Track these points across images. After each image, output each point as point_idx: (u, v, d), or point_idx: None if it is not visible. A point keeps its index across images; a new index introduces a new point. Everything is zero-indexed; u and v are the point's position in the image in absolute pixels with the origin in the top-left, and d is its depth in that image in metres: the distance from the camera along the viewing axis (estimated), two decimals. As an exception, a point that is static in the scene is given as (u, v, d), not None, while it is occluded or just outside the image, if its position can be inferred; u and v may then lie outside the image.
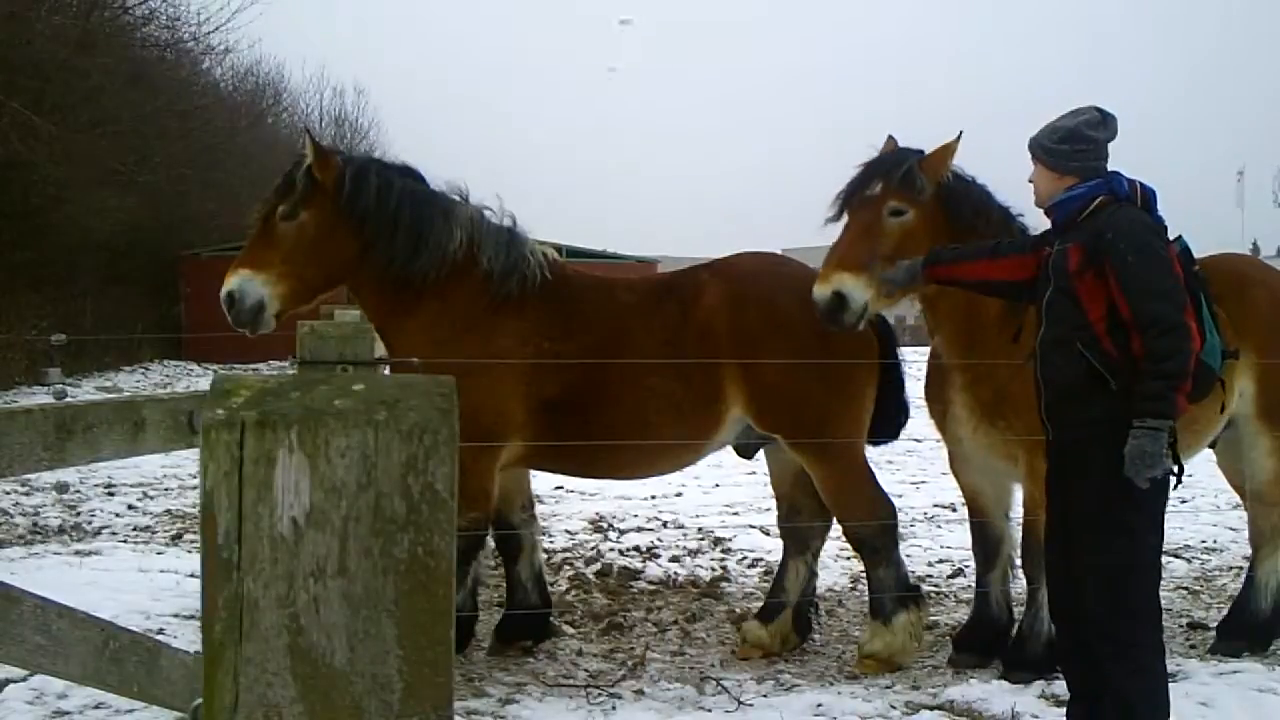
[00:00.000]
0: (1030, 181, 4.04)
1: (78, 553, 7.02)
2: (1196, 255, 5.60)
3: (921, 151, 4.64)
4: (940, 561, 7.10)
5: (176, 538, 7.70)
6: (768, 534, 7.37)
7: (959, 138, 4.65)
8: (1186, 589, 6.54)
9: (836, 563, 6.75)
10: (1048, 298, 3.85)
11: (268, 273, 4.75)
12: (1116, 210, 3.80)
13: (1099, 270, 3.70)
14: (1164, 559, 7.04)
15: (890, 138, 4.79)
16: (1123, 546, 3.67)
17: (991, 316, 4.69)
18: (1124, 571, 3.67)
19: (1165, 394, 3.57)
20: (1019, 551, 4.95)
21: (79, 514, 8.55)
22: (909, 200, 4.53)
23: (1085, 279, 3.72)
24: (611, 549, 7.41)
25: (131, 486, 9.75)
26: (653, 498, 9.22)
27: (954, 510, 7.18)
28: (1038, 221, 4.94)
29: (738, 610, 5.96)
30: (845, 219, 4.62)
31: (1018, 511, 5.01)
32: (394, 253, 4.82)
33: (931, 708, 4.38)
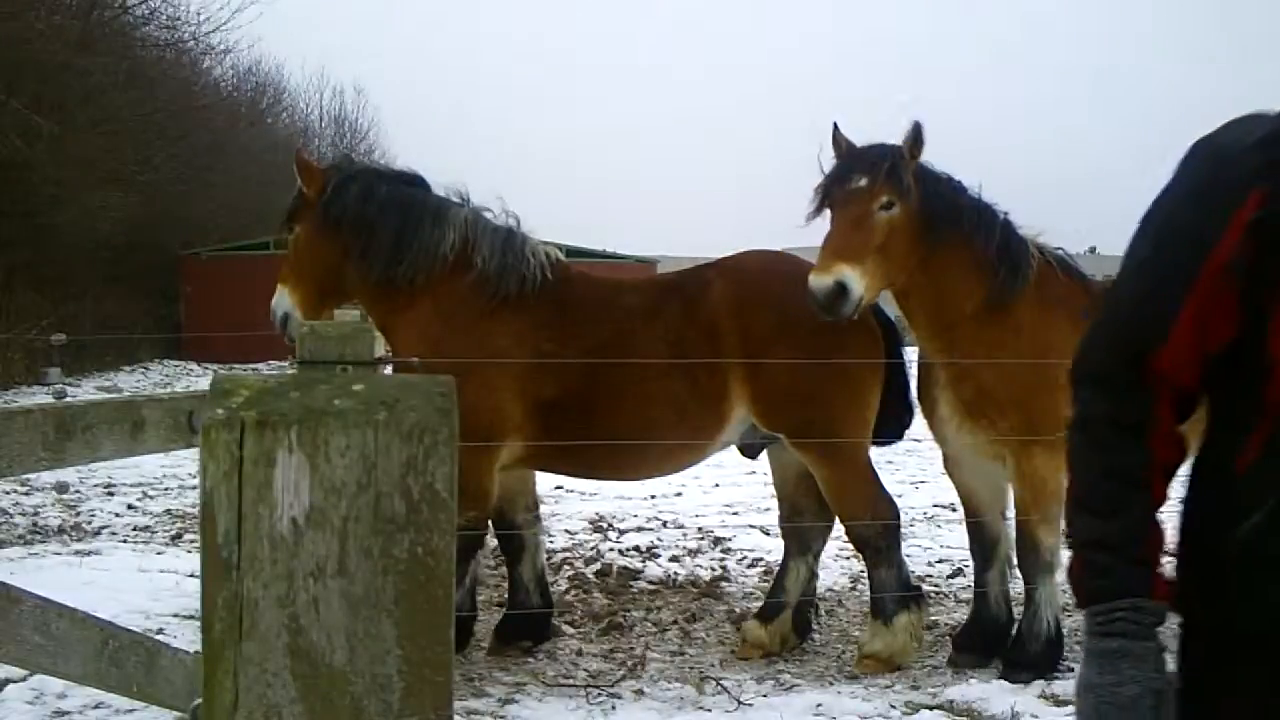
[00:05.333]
0: None
1: (77, 553, 7.02)
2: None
3: (897, 146, 4.65)
4: (940, 561, 7.10)
5: (176, 538, 7.69)
6: (768, 534, 7.36)
7: (917, 128, 4.62)
8: (1186, 589, 6.53)
9: (836, 563, 6.75)
10: None
11: (288, 284, 5.13)
12: None
13: None
14: (1164, 557, 7.11)
15: (835, 125, 4.78)
16: None
17: (966, 311, 4.71)
18: None
19: None
20: (1015, 551, 4.96)
21: (79, 514, 8.54)
22: (897, 194, 4.56)
23: None
24: (611, 549, 7.41)
25: (131, 486, 9.75)
26: (652, 498, 9.21)
27: (954, 510, 7.18)
28: (1027, 217, 4.95)
29: (737, 610, 5.96)
30: (830, 213, 4.64)
31: (1013, 511, 5.01)
32: (375, 258, 4.95)
33: (931, 707, 4.39)
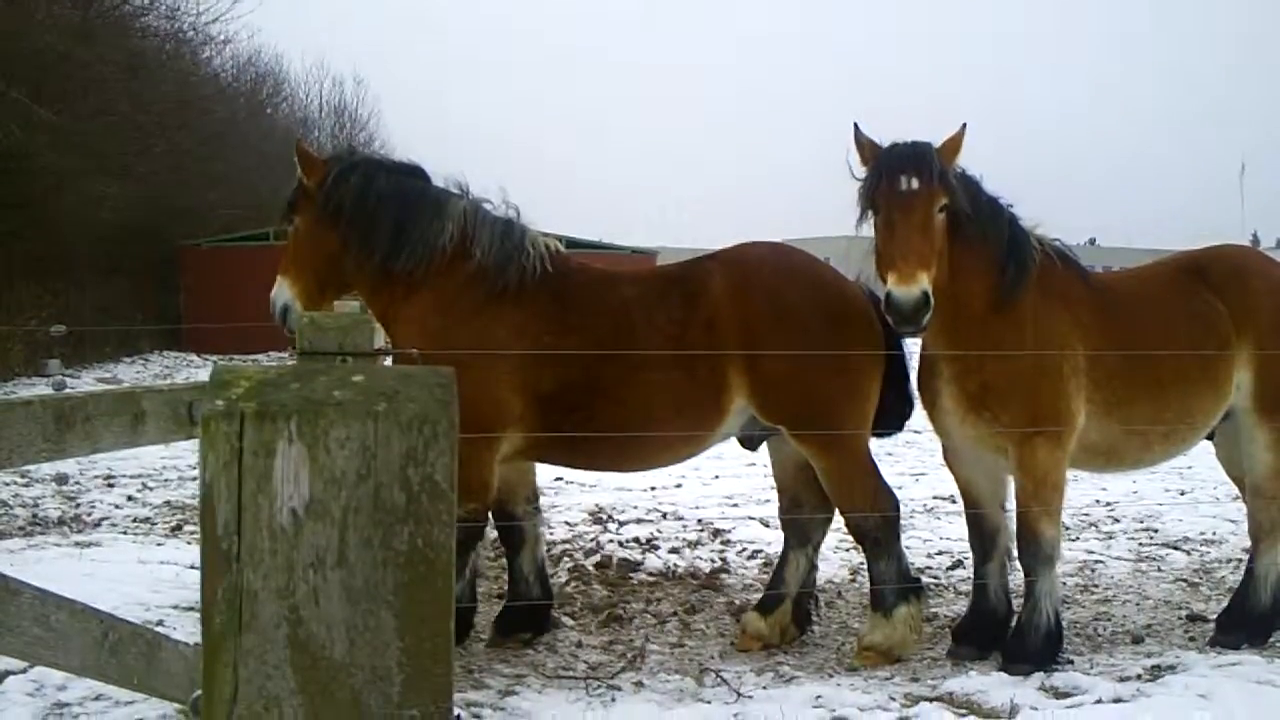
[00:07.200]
0: None
1: (77, 544, 7.02)
2: (1198, 245, 5.62)
3: (930, 144, 4.60)
4: (940, 553, 7.10)
5: (176, 529, 7.70)
6: (767, 526, 7.37)
7: (964, 129, 4.62)
8: (1186, 581, 6.55)
9: (835, 555, 6.75)
10: None
11: (288, 276, 5.13)
12: None
13: None
14: (1163, 551, 7.13)
15: (856, 126, 4.74)
16: None
17: (976, 308, 4.70)
18: None
19: None
20: (1015, 543, 4.96)
21: (78, 505, 8.55)
22: (950, 196, 4.52)
23: None
24: (611, 541, 7.41)
25: (131, 478, 9.75)
26: (652, 489, 9.22)
27: (953, 502, 7.18)
28: (1029, 211, 4.94)
29: (737, 602, 5.96)
30: (885, 216, 4.49)
31: (1013, 503, 5.01)
32: (374, 249, 4.95)
33: (931, 699, 4.39)
